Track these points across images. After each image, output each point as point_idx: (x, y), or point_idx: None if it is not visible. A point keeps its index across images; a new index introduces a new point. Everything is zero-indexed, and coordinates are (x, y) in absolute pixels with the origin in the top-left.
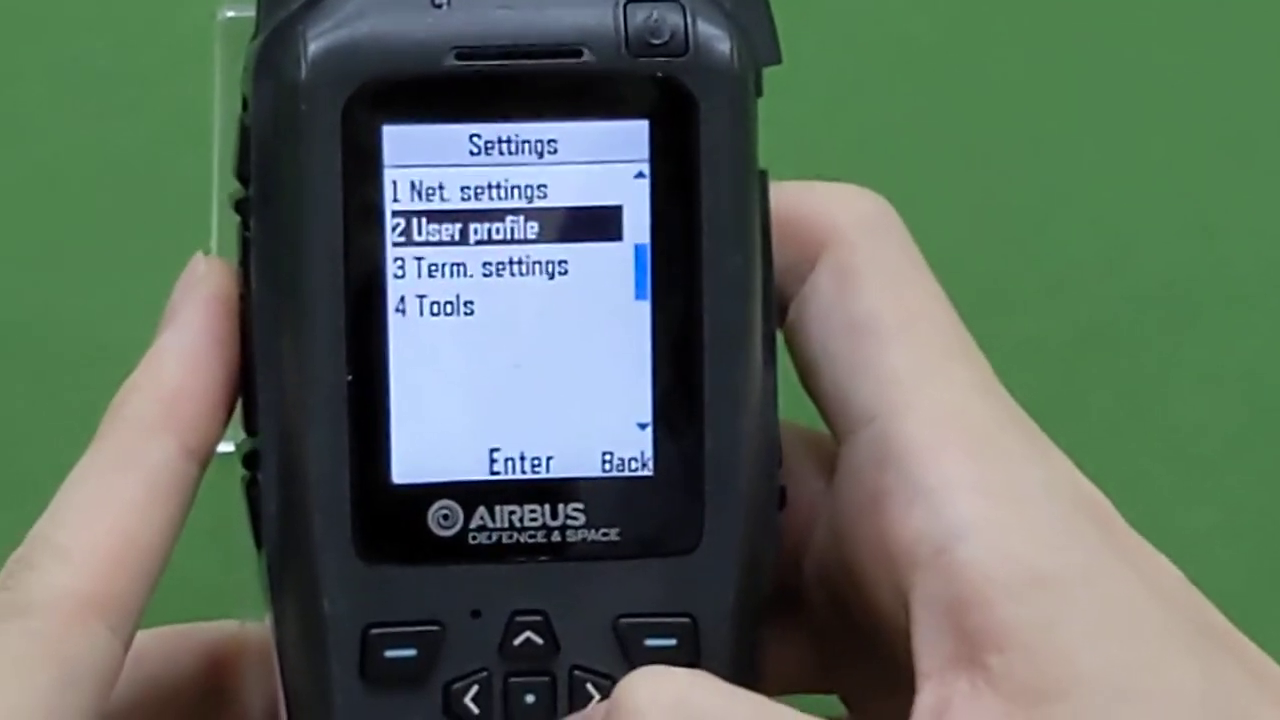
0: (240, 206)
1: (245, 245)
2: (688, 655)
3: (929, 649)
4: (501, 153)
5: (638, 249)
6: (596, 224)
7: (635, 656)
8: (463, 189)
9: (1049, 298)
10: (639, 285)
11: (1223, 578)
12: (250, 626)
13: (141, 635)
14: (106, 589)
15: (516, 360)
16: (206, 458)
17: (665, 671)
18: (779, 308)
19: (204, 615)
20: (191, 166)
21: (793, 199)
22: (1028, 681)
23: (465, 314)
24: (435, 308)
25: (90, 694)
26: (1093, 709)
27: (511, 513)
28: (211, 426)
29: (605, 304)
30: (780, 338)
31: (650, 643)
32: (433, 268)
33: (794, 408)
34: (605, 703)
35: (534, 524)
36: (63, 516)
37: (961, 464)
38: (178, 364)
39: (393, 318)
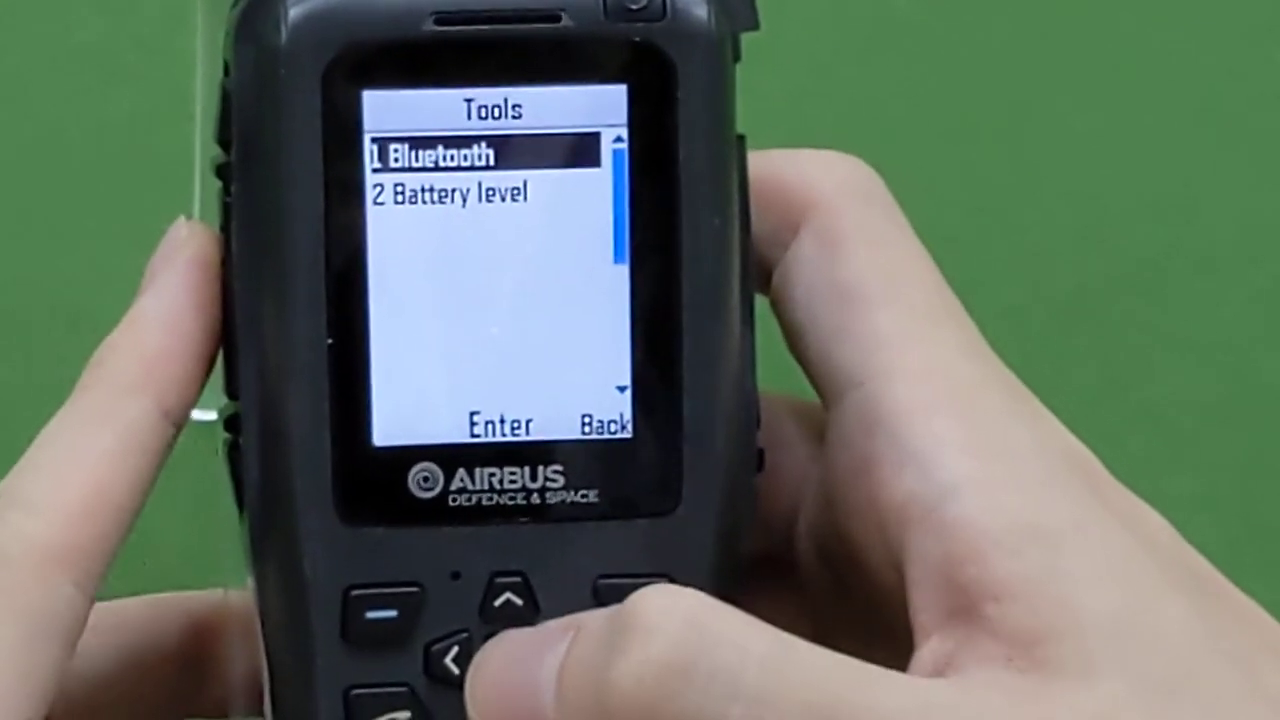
0: (221, 172)
1: (226, 210)
2: None
3: (926, 606)
4: (482, 116)
5: (616, 213)
6: (575, 187)
7: None
8: (443, 153)
9: (1027, 270)
10: (617, 249)
11: (1201, 546)
12: (233, 593)
13: (125, 604)
14: (73, 542)
15: (497, 324)
16: (182, 421)
17: (678, 590)
18: (763, 274)
19: (187, 583)
20: (174, 132)
21: (776, 165)
22: (1027, 626)
23: (446, 278)
24: (416, 272)
25: (56, 648)
26: (1092, 646)
27: (491, 475)
28: (189, 389)
29: (584, 267)
30: (766, 304)
31: None
32: (413, 232)
33: (782, 374)
34: (604, 611)
35: (514, 486)
36: (33, 469)
37: (949, 425)
38: (158, 326)
39: (373, 281)
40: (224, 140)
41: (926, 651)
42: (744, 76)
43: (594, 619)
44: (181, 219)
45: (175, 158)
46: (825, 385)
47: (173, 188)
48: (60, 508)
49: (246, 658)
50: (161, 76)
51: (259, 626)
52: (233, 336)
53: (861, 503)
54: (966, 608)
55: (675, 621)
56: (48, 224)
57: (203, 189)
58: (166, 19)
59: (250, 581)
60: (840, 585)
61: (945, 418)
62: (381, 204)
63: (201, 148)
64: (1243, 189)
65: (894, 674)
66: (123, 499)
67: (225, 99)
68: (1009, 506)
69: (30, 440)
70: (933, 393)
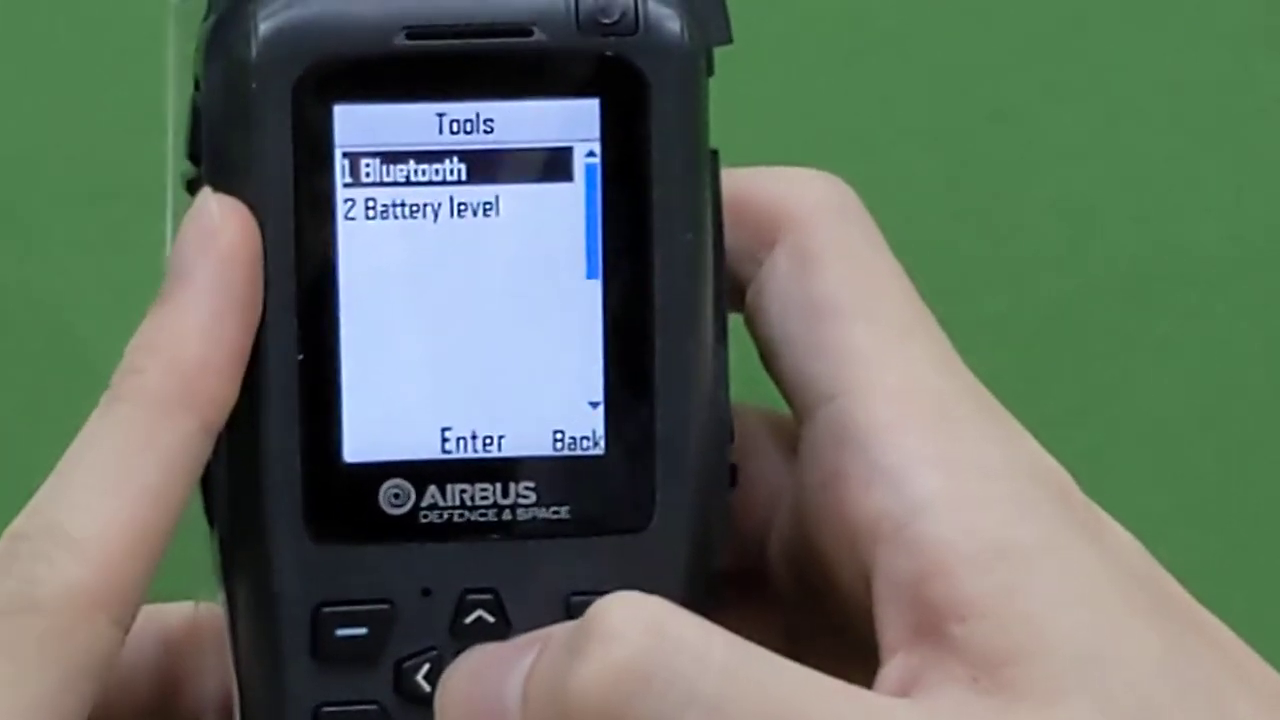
0: (192, 187)
1: None
2: None
3: (892, 623)
4: (454, 131)
5: (589, 228)
6: (547, 202)
7: None
8: (415, 168)
9: (1012, 280)
10: (590, 264)
11: (1184, 558)
12: (204, 607)
13: None
14: (116, 584)
15: (468, 339)
16: (220, 428)
17: (642, 597)
18: (737, 290)
19: (161, 594)
20: (146, 147)
21: (751, 182)
22: (992, 647)
23: (418, 293)
24: (387, 286)
25: (91, 685)
26: (1059, 669)
27: (463, 491)
28: (230, 399)
29: (556, 282)
30: (740, 320)
31: None
32: (384, 246)
33: (756, 392)
34: (571, 623)
35: (485, 503)
36: (74, 498)
37: (920, 441)
38: (197, 333)
39: (344, 297)
40: (194, 155)
41: (892, 669)
42: (717, 90)
43: (561, 630)
44: (208, 192)
45: (147, 173)
46: (797, 401)
47: (145, 202)
48: (104, 548)
49: (217, 673)
50: (133, 91)
51: (229, 643)
52: None
53: (831, 518)
54: (933, 625)
55: (636, 627)
56: (21, 237)
57: (176, 204)
58: (138, 34)
59: (220, 597)
60: (812, 600)
61: (916, 434)
62: (353, 219)
63: (174, 163)
64: (1226, 199)
65: (857, 690)
66: (164, 529)
67: (195, 113)
68: (978, 524)
69: (10, 447)
70: (904, 408)
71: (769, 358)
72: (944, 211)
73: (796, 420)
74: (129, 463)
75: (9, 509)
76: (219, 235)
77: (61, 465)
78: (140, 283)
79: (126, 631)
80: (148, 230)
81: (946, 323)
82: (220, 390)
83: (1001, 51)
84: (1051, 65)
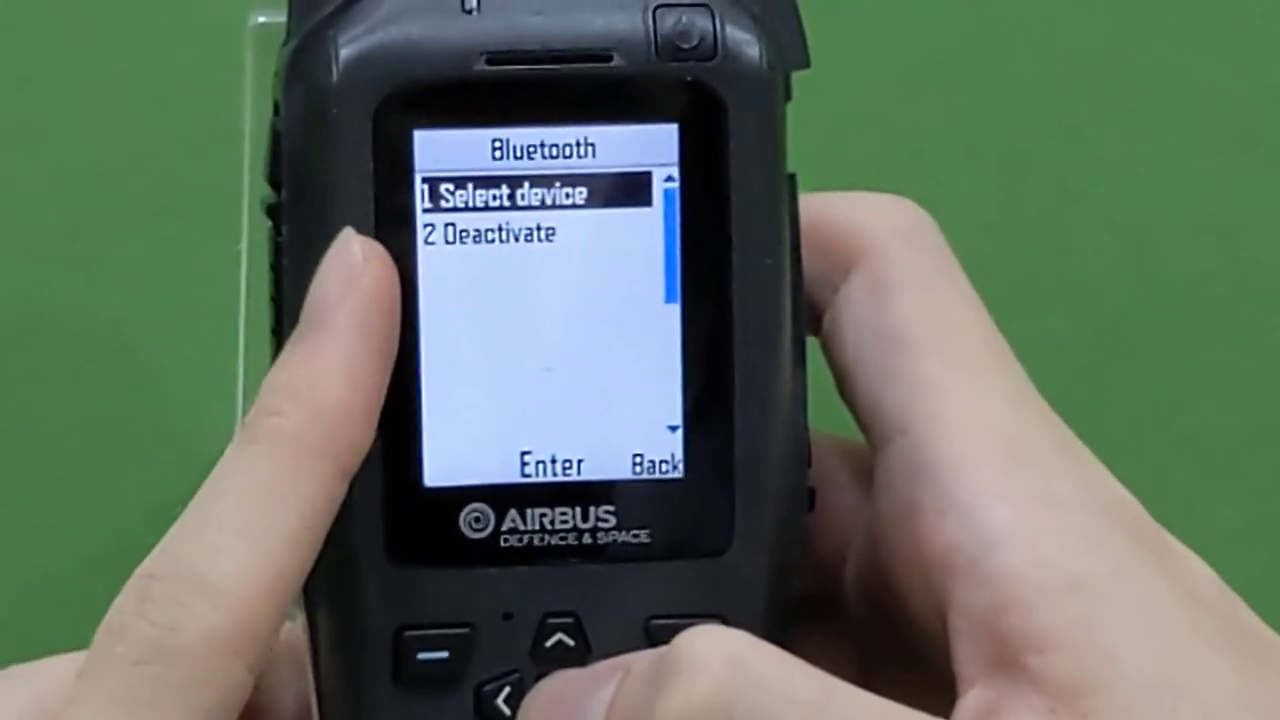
0: (272, 211)
1: (277, 250)
2: None
3: (968, 656)
4: (531, 156)
5: (667, 252)
6: (626, 226)
7: None
8: (494, 193)
9: (1071, 297)
10: (669, 288)
11: (1244, 576)
12: (284, 627)
13: None
14: (253, 631)
15: (548, 363)
16: (355, 472)
17: (725, 630)
18: (814, 316)
19: None
20: (223, 171)
21: (828, 208)
22: (1069, 678)
23: (497, 316)
24: (467, 311)
25: None
26: (1136, 700)
27: (543, 515)
28: (366, 443)
29: (635, 306)
30: (816, 346)
31: None
32: (464, 270)
33: (833, 416)
34: (652, 652)
35: (565, 526)
36: (211, 542)
37: (993, 474)
38: (341, 379)
39: (424, 321)
40: (274, 180)
41: (970, 700)
42: (791, 109)
43: (642, 659)
44: (350, 231)
45: (224, 196)
46: (872, 430)
47: (222, 226)
48: (243, 595)
49: (296, 693)
50: (210, 116)
51: (309, 664)
52: None
53: (905, 549)
54: (1009, 658)
55: (719, 662)
56: (99, 260)
57: (251, 228)
58: (215, 58)
59: (301, 619)
60: (886, 628)
61: (989, 467)
62: (433, 244)
63: (250, 186)
64: None
65: None
66: (299, 575)
67: (275, 138)
68: (1051, 557)
69: (85, 470)
70: (978, 441)
71: (844, 385)
72: (1003, 230)
73: (871, 450)
74: (268, 507)
75: (77, 528)
76: (362, 277)
77: (194, 505)
78: (206, 303)
79: (256, 675)
80: (213, 250)
81: (1010, 339)
82: (359, 436)
83: (1064, 70)
84: (1114, 83)
